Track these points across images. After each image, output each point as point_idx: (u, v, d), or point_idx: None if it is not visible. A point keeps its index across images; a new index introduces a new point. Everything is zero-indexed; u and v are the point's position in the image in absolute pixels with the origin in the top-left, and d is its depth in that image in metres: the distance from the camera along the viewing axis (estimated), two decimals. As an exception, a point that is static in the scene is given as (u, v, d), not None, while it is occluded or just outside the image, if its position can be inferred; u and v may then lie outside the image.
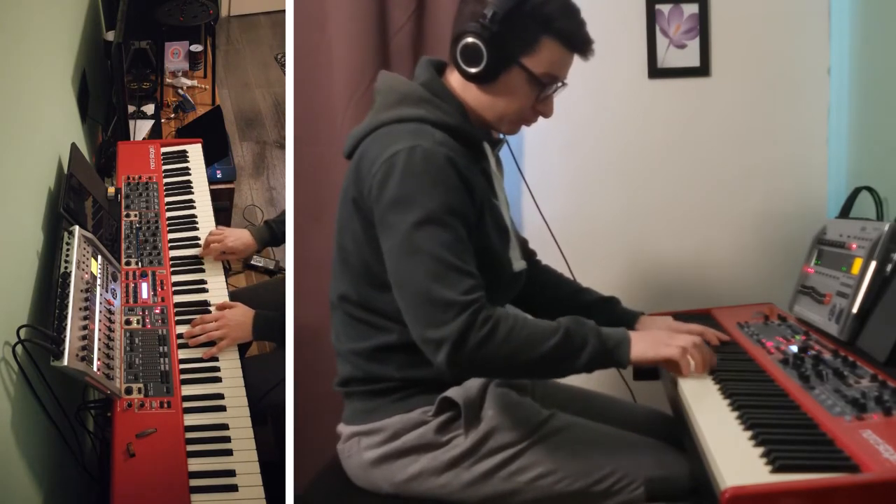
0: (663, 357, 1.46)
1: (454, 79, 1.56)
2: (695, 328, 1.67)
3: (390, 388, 1.55)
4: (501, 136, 1.67)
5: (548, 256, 1.93)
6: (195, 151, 2.61)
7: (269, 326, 1.99)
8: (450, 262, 1.38)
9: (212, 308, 2.05)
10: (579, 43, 1.52)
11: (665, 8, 2.36)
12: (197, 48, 3.54)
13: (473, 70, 1.49)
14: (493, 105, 1.54)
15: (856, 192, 2.01)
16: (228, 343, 1.93)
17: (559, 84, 1.54)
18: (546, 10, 1.48)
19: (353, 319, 1.56)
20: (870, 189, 1.97)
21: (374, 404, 1.56)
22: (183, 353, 1.91)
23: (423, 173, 1.41)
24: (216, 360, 1.92)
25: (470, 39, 1.48)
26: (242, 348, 2.01)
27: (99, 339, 1.76)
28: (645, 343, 1.45)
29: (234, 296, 2.16)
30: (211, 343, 1.93)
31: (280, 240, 2.29)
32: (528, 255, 1.85)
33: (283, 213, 2.30)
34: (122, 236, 2.22)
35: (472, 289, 1.37)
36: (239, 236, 2.25)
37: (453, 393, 1.50)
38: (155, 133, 3.10)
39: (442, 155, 1.42)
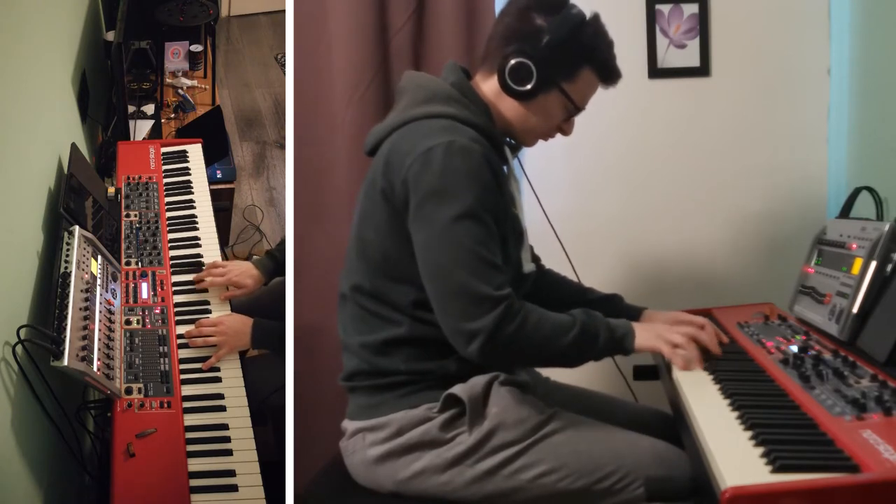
0: (657, 349, 1.55)
1: (486, 86, 1.63)
2: (698, 320, 1.68)
3: (396, 382, 1.56)
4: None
5: (550, 255, 1.93)
6: (195, 151, 2.61)
7: (267, 335, 1.99)
8: (485, 258, 1.44)
9: (212, 308, 2.05)
10: (612, 76, 1.62)
11: (665, 8, 2.36)
12: (197, 48, 3.54)
13: (519, 88, 1.56)
14: (526, 119, 1.62)
15: (856, 192, 2.01)
16: (227, 351, 1.93)
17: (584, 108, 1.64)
18: (592, 42, 1.58)
19: (363, 311, 1.58)
20: (870, 189, 1.97)
21: (379, 399, 1.57)
22: (183, 353, 1.91)
23: (461, 168, 1.45)
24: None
25: (522, 59, 1.55)
26: (242, 350, 2.01)
27: (99, 339, 1.76)
28: (647, 333, 1.55)
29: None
30: (209, 347, 1.93)
31: (284, 271, 2.17)
32: (533, 259, 1.86)
33: (283, 241, 2.22)
34: (122, 236, 2.22)
35: (503, 283, 1.45)
36: (244, 270, 2.12)
37: (458, 390, 1.52)
38: (155, 133, 3.10)
39: (478, 152, 1.48)
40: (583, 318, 1.51)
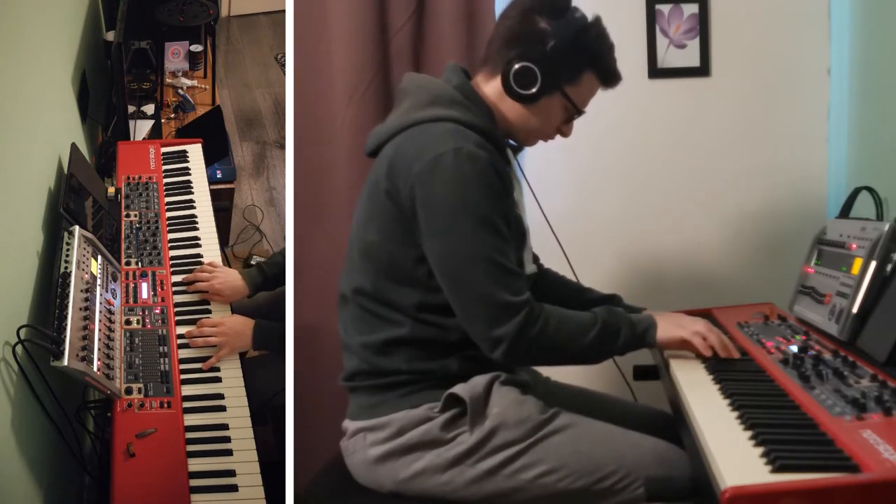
0: (679, 338, 1.57)
1: (487, 87, 1.63)
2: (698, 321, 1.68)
3: (397, 382, 1.56)
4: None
5: (549, 255, 1.93)
6: (195, 151, 2.61)
7: (268, 336, 1.99)
8: (503, 265, 1.47)
9: (212, 308, 2.05)
10: (613, 78, 1.63)
11: (665, 8, 2.36)
12: (197, 48, 3.54)
13: (524, 92, 1.57)
14: (527, 121, 1.62)
15: (856, 192, 2.01)
16: (228, 352, 1.93)
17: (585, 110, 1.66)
18: (595, 46, 1.59)
19: (365, 312, 1.58)
20: (870, 189, 1.97)
21: (379, 399, 1.57)
22: (183, 353, 1.91)
23: (472, 177, 1.46)
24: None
25: (527, 64, 1.56)
26: (242, 351, 2.01)
27: (99, 339, 1.77)
28: (668, 324, 1.58)
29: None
30: (210, 347, 1.93)
31: (272, 285, 2.17)
32: (533, 259, 1.87)
33: (274, 255, 2.24)
34: (122, 236, 2.22)
35: (522, 288, 1.48)
36: (227, 279, 2.10)
37: (459, 389, 1.52)
38: (155, 133, 3.10)
39: (485, 158, 1.48)
40: (604, 315, 1.54)
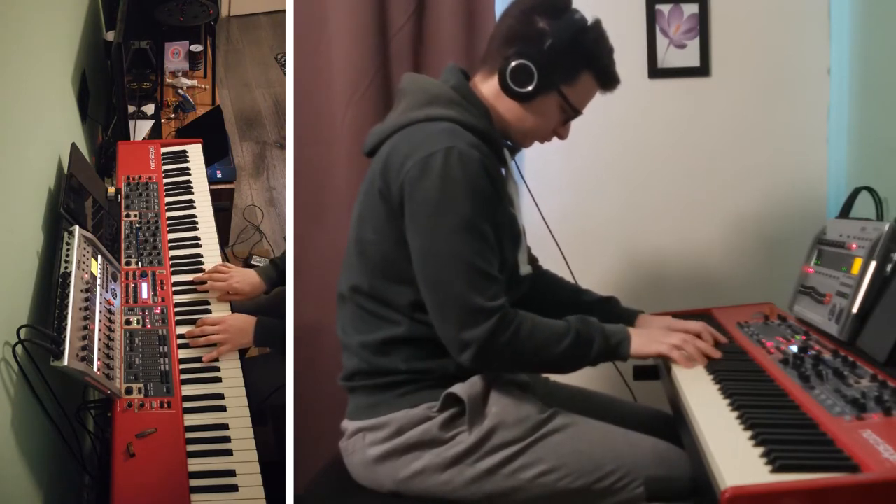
0: (656, 353, 1.57)
1: (485, 87, 1.63)
2: (692, 326, 1.67)
3: (396, 382, 1.56)
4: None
5: (547, 256, 1.93)
6: (195, 151, 2.61)
7: (269, 333, 1.99)
8: (481, 269, 1.46)
9: (212, 308, 2.06)
10: (611, 82, 1.63)
11: (665, 8, 2.36)
12: (197, 48, 3.54)
13: (520, 90, 1.57)
14: (523, 120, 1.62)
15: (856, 192, 2.01)
16: (229, 349, 1.93)
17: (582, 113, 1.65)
18: (594, 48, 1.59)
19: (363, 311, 1.58)
20: (870, 189, 1.97)
21: (378, 398, 1.57)
22: (183, 353, 1.91)
23: (460, 178, 1.46)
24: (216, 360, 1.92)
25: (523, 61, 1.56)
26: (242, 350, 2.01)
27: (99, 339, 1.77)
28: (642, 339, 1.57)
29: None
30: (211, 346, 1.93)
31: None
32: (531, 261, 1.86)
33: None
34: (122, 236, 2.22)
35: (498, 294, 1.47)
36: (245, 276, 2.13)
37: (458, 389, 1.52)
38: (155, 133, 3.10)
39: (477, 159, 1.48)
40: (578, 325, 1.52)
